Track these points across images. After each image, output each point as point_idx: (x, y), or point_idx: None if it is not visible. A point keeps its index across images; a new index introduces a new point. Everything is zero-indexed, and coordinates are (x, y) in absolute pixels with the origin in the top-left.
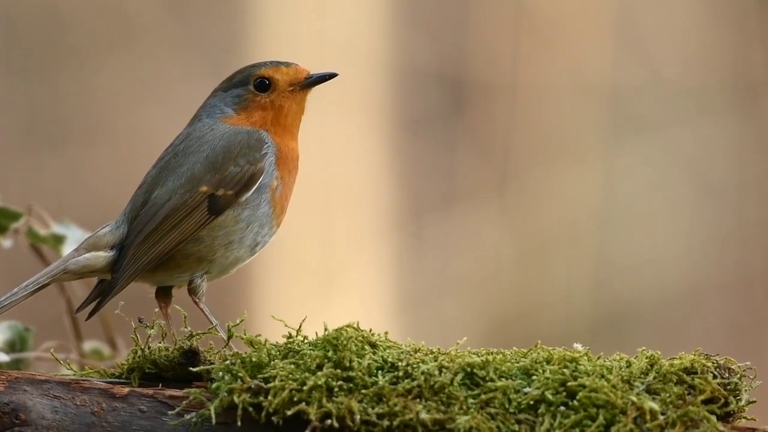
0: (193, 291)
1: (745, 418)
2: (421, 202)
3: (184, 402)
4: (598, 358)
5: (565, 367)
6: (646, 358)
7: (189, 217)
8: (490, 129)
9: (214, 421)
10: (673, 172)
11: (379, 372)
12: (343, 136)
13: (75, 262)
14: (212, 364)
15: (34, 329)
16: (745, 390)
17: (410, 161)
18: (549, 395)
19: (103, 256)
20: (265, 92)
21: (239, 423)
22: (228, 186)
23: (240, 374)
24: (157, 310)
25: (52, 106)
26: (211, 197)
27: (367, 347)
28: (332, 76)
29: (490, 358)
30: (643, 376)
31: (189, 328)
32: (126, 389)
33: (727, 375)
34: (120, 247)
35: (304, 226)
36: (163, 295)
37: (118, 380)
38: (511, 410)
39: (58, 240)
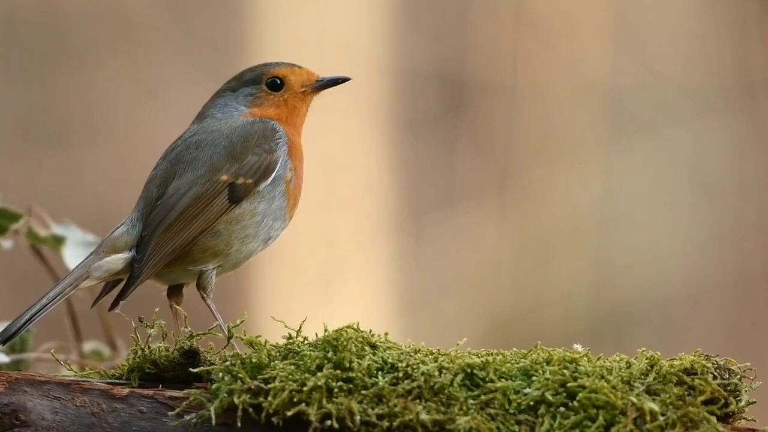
0: (201, 285)
1: (745, 418)
2: (421, 203)
3: (184, 403)
4: (598, 359)
5: (565, 367)
6: (646, 358)
7: (210, 205)
8: (490, 129)
9: (214, 422)
10: (673, 172)
11: (379, 373)
12: (343, 137)
13: (97, 267)
14: (212, 364)
15: (34, 330)
16: (745, 391)
17: (410, 162)
18: (549, 396)
19: (123, 257)
20: (277, 91)
21: (239, 424)
22: (247, 175)
23: (240, 375)
24: (158, 309)
25: (52, 106)
26: (231, 186)
27: (367, 348)
28: (344, 80)
29: (490, 358)
30: (643, 376)
31: (189, 328)
32: (126, 390)
33: (727, 376)
34: (138, 245)
35: (305, 226)
36: (174, 294)
37: (118, 381)
38: (511, 411)
39: (58, 241)
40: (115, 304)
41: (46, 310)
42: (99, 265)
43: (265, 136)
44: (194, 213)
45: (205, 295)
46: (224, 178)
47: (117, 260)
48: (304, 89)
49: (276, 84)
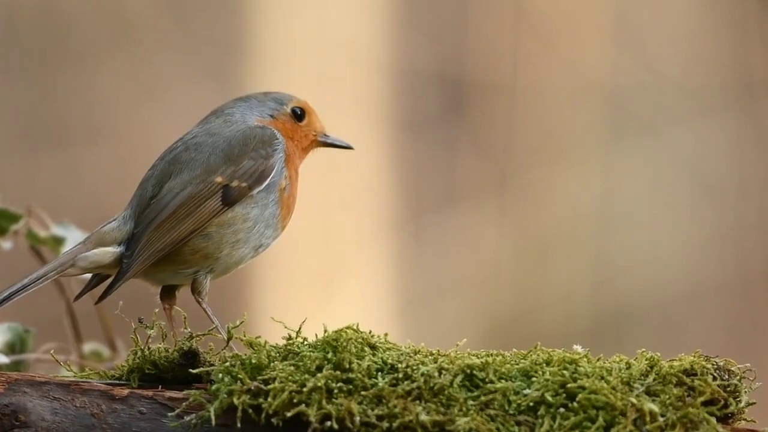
0: (196, 290)
1: (744, 419)
2: (421, 203)
3: (184, 404)
4: (598, 360)
5: (565, 368)
6: (646, 359)
7: (203, 206)
8: (490, 129)
9: (213, 422)
10: (673, 172)
11: (379, 373)
12: (343, 137)
13: (84, 258)
14: (212, 365)
15: (34, 330)
16: (745, 392)
17: (410, 162)
18: (549, 397)
19: (111, 252)
20: (297, 121)
21: (239, 425)
22: (242, 178)
23: (240, 376)
24: (157, 310)
25: (52, 106)
26: (225, 188)
27: (366, 349)
28: (348, 147)
29: (490, 359)
30: (642, 377)
31: (189, 329)
32: (126, 391)
33: (726, 377)
34: (128, 241)
35: (304, 226)
36: (167, 296)
37: (117, 382)
38: (511, 412)
39: (58, 242)
40: (102, 298)
41: (27, 290)
42: (86, 255)
43: (263, 141)
44: (186, 212)
45: (200, 300)
46: (219, 179)
47: (105, 253)
48: (315, 135)
49: (297, 114)
